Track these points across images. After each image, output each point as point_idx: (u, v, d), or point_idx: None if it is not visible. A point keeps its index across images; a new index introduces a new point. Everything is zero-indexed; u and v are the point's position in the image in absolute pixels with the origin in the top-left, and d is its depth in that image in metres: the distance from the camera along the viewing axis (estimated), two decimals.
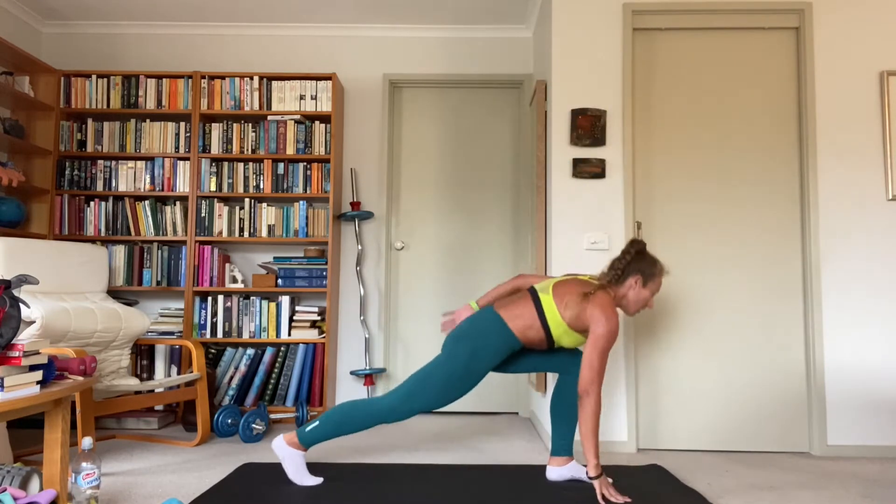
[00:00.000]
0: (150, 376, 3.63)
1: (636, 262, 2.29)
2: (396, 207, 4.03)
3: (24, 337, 2.58)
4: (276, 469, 2.52)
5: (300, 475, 2.31)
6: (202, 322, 3.65)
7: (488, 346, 2.23)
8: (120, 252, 3.69)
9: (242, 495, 2.18)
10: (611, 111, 3.05)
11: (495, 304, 2.32)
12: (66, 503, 1.98)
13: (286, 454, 2.31)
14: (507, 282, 2.49)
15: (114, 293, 3.82)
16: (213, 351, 3.68)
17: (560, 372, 2.43)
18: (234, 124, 3.75)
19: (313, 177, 3.73)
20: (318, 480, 2.32)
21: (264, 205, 3.73)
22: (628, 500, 2.09)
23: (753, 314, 3.01)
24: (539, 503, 2.12)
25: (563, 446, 2.41)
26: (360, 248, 3.85)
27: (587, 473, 2.15)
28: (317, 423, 2.30)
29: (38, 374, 1.89)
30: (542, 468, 2.56)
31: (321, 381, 3.62)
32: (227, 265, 3.72)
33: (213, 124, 3.76)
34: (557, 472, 2.40)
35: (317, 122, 3.76)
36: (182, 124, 3.75)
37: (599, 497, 2.09)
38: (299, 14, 3.87)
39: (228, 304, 3.66)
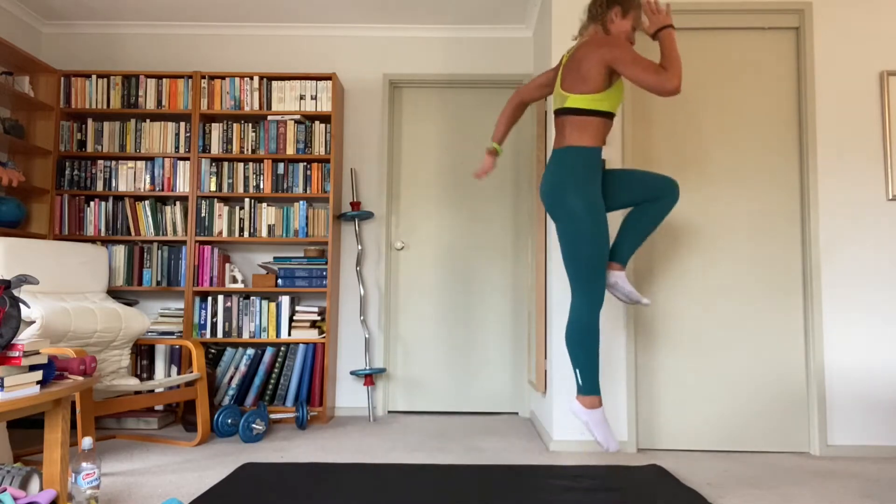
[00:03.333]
0: (150, 376, 3.63)
1: None
2: (396, 207, 4.03)
3: (24, 337, 2.58)
4: (276, 469, 2.52)
5: (608, 436, 2.26)
6: (202, 322, 3.65)
7: (579, 172, 2.26)
8: (120, 252, 3.69)
9: (242, 495, 2.18)
10: None
11: (555, 148, 2.37)
12: (66, 503, 1.98)
13: (591, 418, 2.28)
14: (506, 108, 2.68)
15: (114, 293, 3.82)
16: (213, 351, 3.68)
17: (649, 198, 2.42)
18: (234, 124, 3.75)
19: (313, 177, 3.73)
20: (618, 445, 2.28)
21: (264, 205, 3.73)
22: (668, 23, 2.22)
23: (753, 314, 3.01)
24: (539, 503, 2.12)
25: (622, 256, 2.44)
26: (360, 248, 3.85)
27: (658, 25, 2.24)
28: (577, 371, 2.29)
29: (38, 374, 1.89)
30: (542, 468, 2.56)
31: (321, 381, 3.62)
32: (227, 265, 3.72)
33: (213, 124, 3.76)
34: (615, 275, 2.45)
35: (317, 122, 3.76)
36: (182, 124, 3.75)
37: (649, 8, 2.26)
38: (299, 14, 3.87)
39: (228, 304, 3.66)
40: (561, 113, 2.34)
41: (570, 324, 2.30)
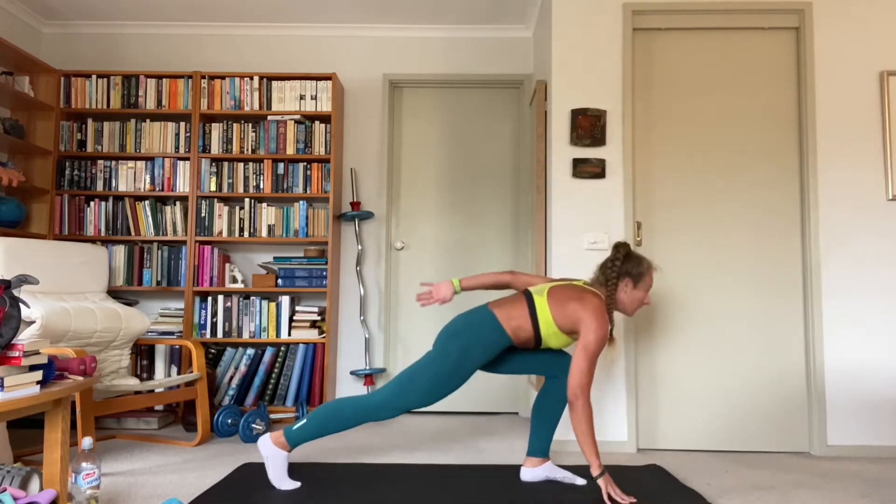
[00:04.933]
0: (150, 376, 3.63)
1: (624, 265, 2.33)
2: (396, 207, 4.03)
3: (24, 337, 2.58)
4: None
5: (280, 477, 2.26)
6: (202, 322, 3.65)
7: (481, 342, 2.23)
8: (120, 252, 3.69)
9: (242, 495, 2.18)
10: (611, 111, 3.05)
11: (490, 303, 2.31)
12: (66, 503, 1.98)
13: (270, 453, 2.27)
14: (497, 273, 2.50)
15: (114, 293, 3.82)
16: (213, 351, 3.68)
17: (546, 375, 2.43)
18: (234, 124, 3.75)
19: (313, 177, 3.73)
20: (296, 485, 2.27)
21: (264, 205, 3.73)
22: (633, 500, 2.10)
23: (753, 314, 3.01)
24: (538, 503, 2.12)
25: (540, 447, 2.41)
26: (360, 248, 3.85)
27: (592, 473, 2.16)
28: (304, 421, 2.26)
29: (38, 374, 1.89)
30: None
31: (321, 381, 3.62)
32: (227, 265, 3.72)
33: (213, 124, 3.76)
34: (532, 472, 2.40)
35: (317, 122, 3.76)
36: (182, 124, 3.75)
37: (605, 497, 2.10)
38: (299, 14, 3.87)
39: (228, 304, 3.66)
40: (524, 294, 2.31)
41: (347, 401, 2.25)
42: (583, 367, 2.15)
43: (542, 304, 2.25)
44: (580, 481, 2.35)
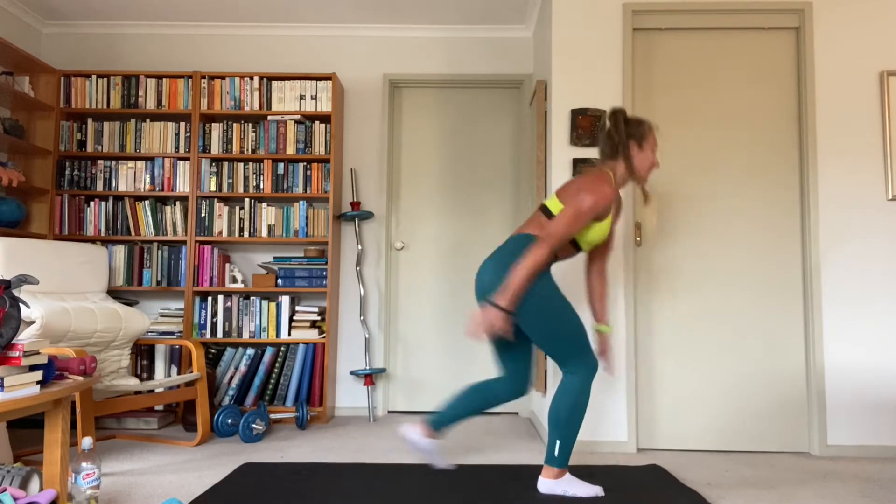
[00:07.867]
0: (150, 376, 3.63)
1: (627, 129, 2.30)
2: (396, 207, 4.03)
3: (24, 337, 2.58)
4: (276, 469, 2.52)
5: (585, 484, 2.23)
6: (202, 322, 3.65)
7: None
8: (120, 252, 3.69)
9: (242, 495, 2.18)
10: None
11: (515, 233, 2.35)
12: (66, 503, 1.98)
13: (567, 484, 2.22)
14: (596, 280, 2.47)
15: (114, 293, 3.82)
16: (213, 351, 3.68)
17: (506, 376, 2.46)
18: (234, 124, 3.75)
19: (313, 177, 3.73)
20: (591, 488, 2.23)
21: (264, 205, 3.73)
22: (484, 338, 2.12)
23: (753, 314, 3.01)
24: (539, 503, 2.12)
25: (441, 421, 2.48)
26: (360, 248, 3.85)
27: (494, 299, 2.10)
28: (557, 443, 2.20)
29: (38, 374, 1.89)
30: (542, 468, 2.56)
31: (321, 381, 3.62)
32: (227, 265, 3.72)
33: (213, 124, 3.76)
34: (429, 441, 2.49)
35: (317, 122, 3.76)
36: (182, 124, 3.75)
37: (469, 322, 2.10)
38: (299, 14, 3.87)
39: (228, 304, 3.66)
40: (540, 209, 2.33)
41: (559, 400, 2.18)
42: (562, 218, 2.14)
43: (552, 201, 2.28)
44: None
